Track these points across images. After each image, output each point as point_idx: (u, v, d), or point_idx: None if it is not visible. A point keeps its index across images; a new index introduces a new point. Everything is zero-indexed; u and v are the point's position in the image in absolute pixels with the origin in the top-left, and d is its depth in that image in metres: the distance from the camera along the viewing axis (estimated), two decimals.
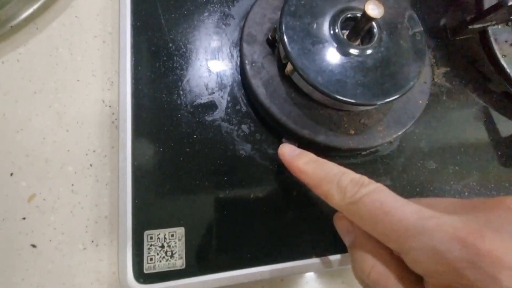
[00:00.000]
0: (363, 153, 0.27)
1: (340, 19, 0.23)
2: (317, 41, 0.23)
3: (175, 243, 0.22)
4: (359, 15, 0.23)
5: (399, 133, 0.25)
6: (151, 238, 0.22)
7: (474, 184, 0.28)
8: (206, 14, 0.28)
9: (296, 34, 0.23)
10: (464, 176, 0.28)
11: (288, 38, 0.22)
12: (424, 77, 0.27)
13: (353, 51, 0.23)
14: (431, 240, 0.14)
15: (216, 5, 0.29)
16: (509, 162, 0.29)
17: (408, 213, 0.15)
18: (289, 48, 0.22)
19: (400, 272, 0.16)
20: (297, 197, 0.24)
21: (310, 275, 0.26)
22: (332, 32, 0.23)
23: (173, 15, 0.27)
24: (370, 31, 0.24)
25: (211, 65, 0.27)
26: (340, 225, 0.20)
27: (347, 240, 0.20)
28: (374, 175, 0.26)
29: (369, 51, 0.23)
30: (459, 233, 0.14)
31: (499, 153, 0.29)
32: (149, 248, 0.22)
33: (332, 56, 0.22)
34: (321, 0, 0.24)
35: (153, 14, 0.27)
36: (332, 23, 0.23)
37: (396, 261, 0.17)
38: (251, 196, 0.24)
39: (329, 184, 0.18)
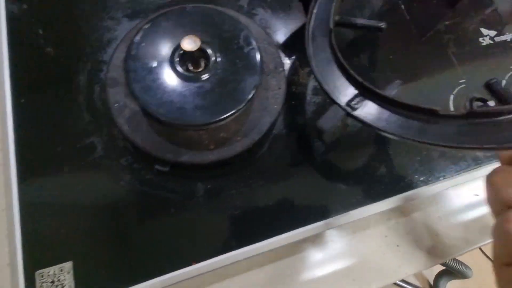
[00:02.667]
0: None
1: (175, 54, 0.26)
2: (157, 77, 0.26)
3: (64, 276, 0.25)
4: None
5: (256, 139, 0.28)
6: (42, 276, 0.25)
7: (345, 173, 0.31)
8: (80, 65, 0.31)
9: (138, 75, 0.26)
10: (332, 167, 0.31)
11: (131, 79, 0.26)
12: (279, 84, 0.30)
13: (190, 78, 0.26)
14: None
15: (90, 55, 0.32)
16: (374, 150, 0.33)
17: None
18: (132, 88, 0.25)
19: None
20: (174, 213, 0.28)
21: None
22: (169, 66, 0.26)
23: (50, 75, 0.31)
24: (206, 57, 0.27)
25: (89, 110, 0.30)
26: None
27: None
28: (247, 178, 0.29)
29: (205, 76, 0.26)
30: None
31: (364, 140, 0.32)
32: (41, 286, 0.24)
33: (171, 87, 0.26)
34: (158, 42, 0.27)
35: (31, 74, 0.30)
36: (170, 59, 0.26)
37: None
38: (136, 219, 0.27)
39: None
